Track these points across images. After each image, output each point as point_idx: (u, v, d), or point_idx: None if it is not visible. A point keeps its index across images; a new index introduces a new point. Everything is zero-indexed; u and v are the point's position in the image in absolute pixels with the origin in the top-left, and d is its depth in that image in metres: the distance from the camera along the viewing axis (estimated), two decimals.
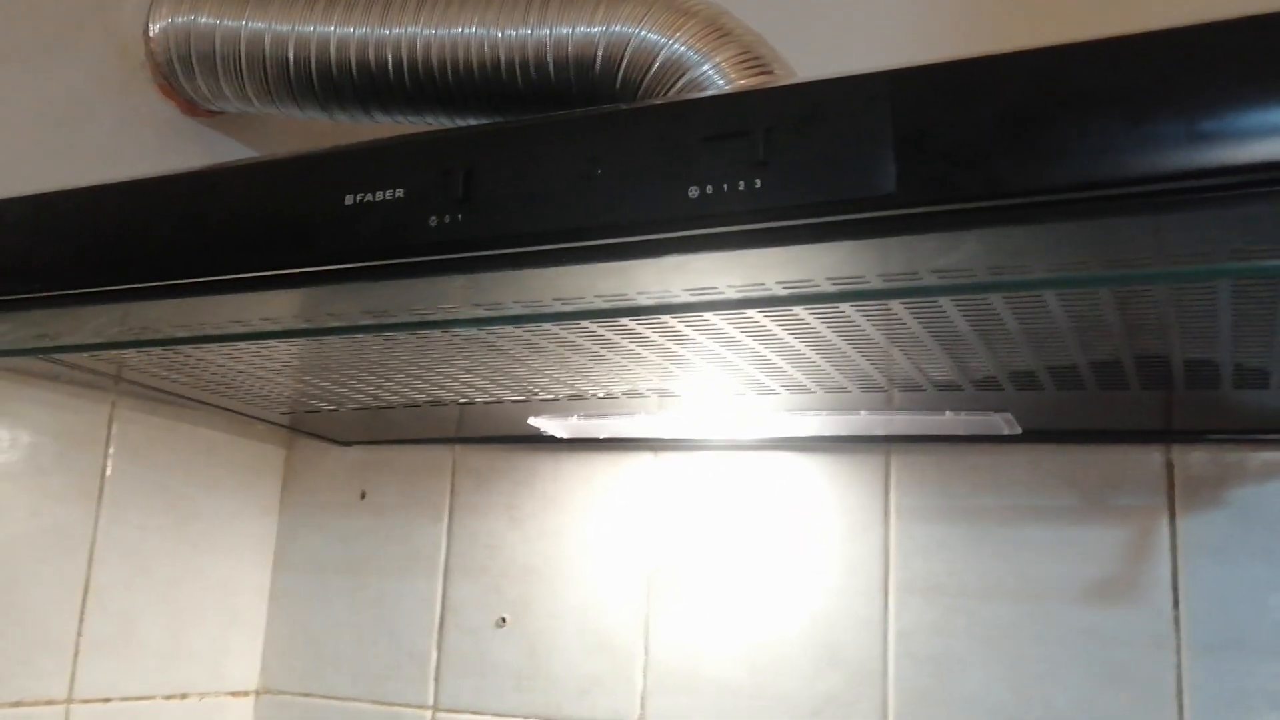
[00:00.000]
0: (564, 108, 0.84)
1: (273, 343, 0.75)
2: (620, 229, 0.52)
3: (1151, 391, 0.75)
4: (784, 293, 0.57)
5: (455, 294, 0.59)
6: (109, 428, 1.03)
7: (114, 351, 0.80)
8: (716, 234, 0.50)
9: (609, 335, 0.68)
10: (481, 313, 0.62)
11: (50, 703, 0.97)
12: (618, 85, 0.83)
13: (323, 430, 1.14)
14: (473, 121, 0.93)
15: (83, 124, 0.99)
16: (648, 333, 0.67)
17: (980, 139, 0.45)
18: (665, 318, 0.63)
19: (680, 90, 0.80)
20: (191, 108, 1.05)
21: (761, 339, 0.67)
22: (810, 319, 0.62)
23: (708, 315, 0.62)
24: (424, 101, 0.92)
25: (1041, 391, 0.76)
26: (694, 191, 0.50)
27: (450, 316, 0.63)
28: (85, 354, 0.83)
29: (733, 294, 0.58)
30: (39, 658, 0.96)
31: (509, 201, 0.54)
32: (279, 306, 0.64)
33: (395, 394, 0.91)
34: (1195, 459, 0.87)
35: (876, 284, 0.54)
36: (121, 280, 0.64)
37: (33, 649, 0.95)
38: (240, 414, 1.05)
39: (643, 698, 1.01)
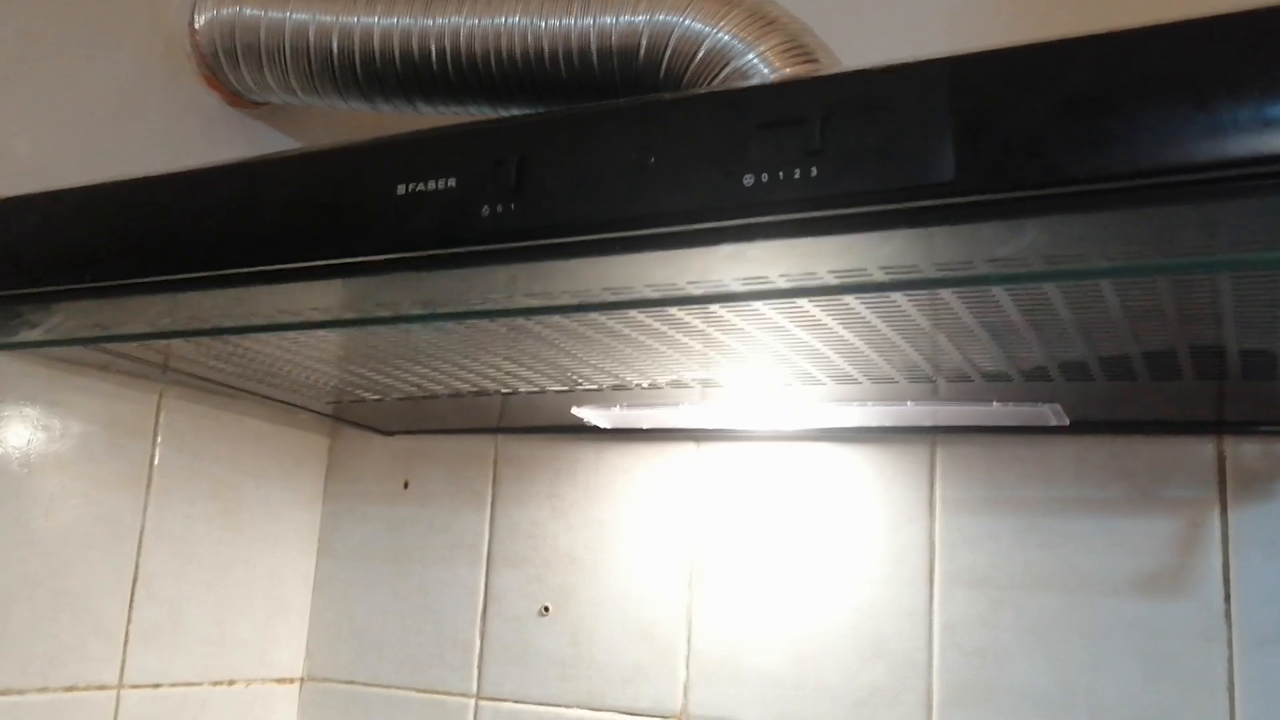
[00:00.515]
0: (608, 98, 0.84)
1: (320, 332, 0.75)
2: (674, 218, 0.52)
3: (1204, 382, 0.74)
4: (836, 282, 0.57)
5: (506, 284, 0.59)
6: (156, 417, 1.04)
7: (164, 342, 0.81)
8: (771, 222, 0.50)
9: (656, 325, 0.68)
10: (531, 302, 0.62)
11: (102, 688, 0.98)
12: (661, 75, 0.83)
13: (366, 420, 1.14)
14: (516, 112, 0.93)
15: (130, 116, 0.99)
16: (695, 322, 0.67)
17: (1040, 126, 0.45)
18: (714, 307, 0.63)
19: (724, 79, 0.80)
20: (236, 99, 1.06)
21: (810, 328, 0.67)
22: (860, 308, 0.62)
23: (757, 304, 0.62)
24: (467, 92, 0.92)
25: (1091, 382, 0.75)
26: (749, 180, 0.50)
27: (500, 306, 0.63)
28: (135, 344, 0.84)
29: (784, 283, 0.57)
30: (91, 644, 0.97)
31: (562, 191, 0.54)
32: (329, 297, 0.64)
33: (439, 384, 0.91)
34: (1248, 451, 0.86)
35: (930, 273, 0.54)
36: (173, 270, 0.65)
37: (85, 635, 0.97)
38: (285, 403, 1.06)
39: (685, 688, 1.01)
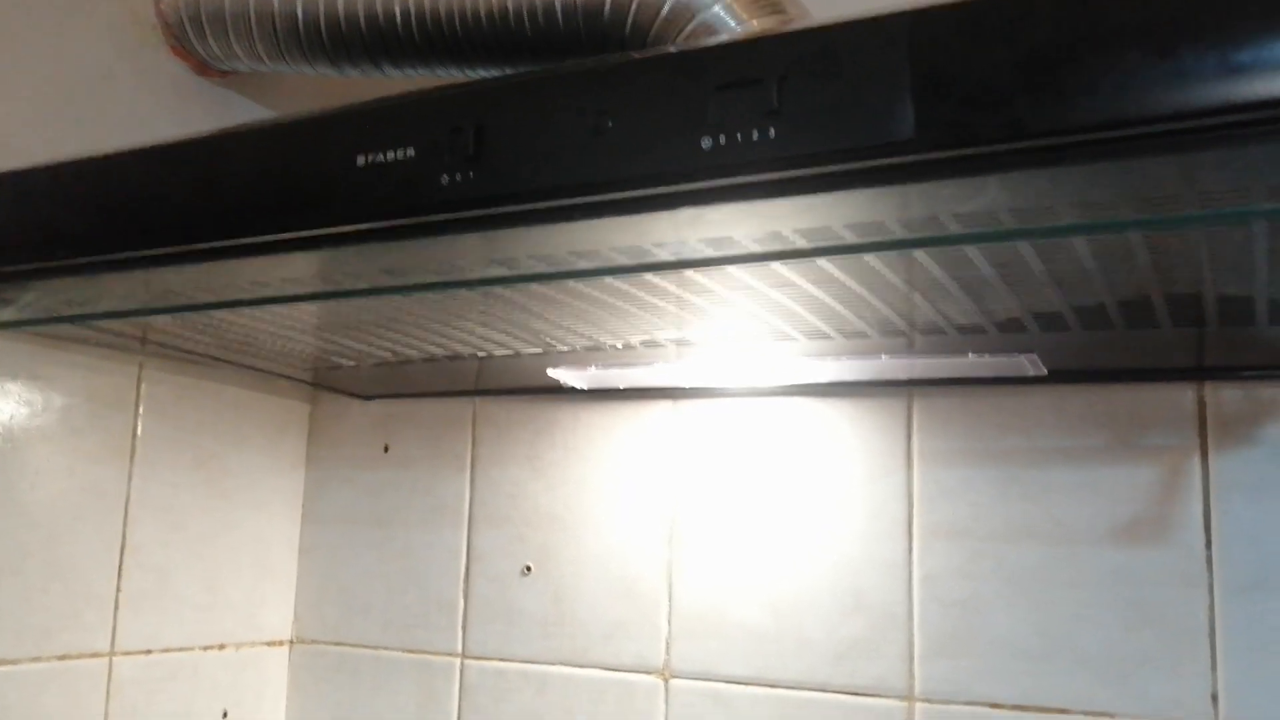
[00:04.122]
0: (574, 56, 0.83)
1: (292, 304, 0.75)
2: (633, 182, 0.51)
3: (1182, 329, 0.74)
4: (802, 242, 0.56)
5: (471, 251, 0.59)
6: (138, 388, 1.03)
7: (139, 318, 0.80)
8: (731, 185, 0.50)
9: (626, 287, 0.68)
10: (498, 270, 0.62)
11: (95, 655, 0.99)
12: (628, 31, 0.82)
13: (345, 385, 1.14)
14: (483, 73, 0.91)
15: (99, 88, 0.98)
16: (664, 284, 0.66)
17: (1001, 79, 0.44)
18: (682, 270, 0.62)
19: (690, 34, 0.79)
20: (204, 68, 1.05)
21: (779, 287, 0.66)
22: (829, 266, 0.61)
23: (727, 267, 0.61)
24: (433, 53, 0.91)
25: (1068, 332, 0.75)
26: (707, 142, 0.49)
27: (467, 275, 0.63)
28: (112, 320, 0.83)
29: (751, 245, 0.57)
30: (82, 612, 0.98)
31: (520, 158, 0.53)
32: (297, 268, 0.64)
33: (415, 349, 0.91)
34: (1228, 396, 0.86)
35: (897, 231, 0.53)
36: (142, 246, 0.64)
37: (76, 604, 0.97)
38: (264, 371, 1.06)
39: (668, 643, 1.02)
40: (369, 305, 0.75)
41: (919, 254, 0.58)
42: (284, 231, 0.60)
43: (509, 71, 0.87)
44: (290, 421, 1.21)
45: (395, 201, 0.56)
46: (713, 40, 0.72)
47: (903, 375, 0.91)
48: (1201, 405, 0.87)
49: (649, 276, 0.64)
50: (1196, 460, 0.86)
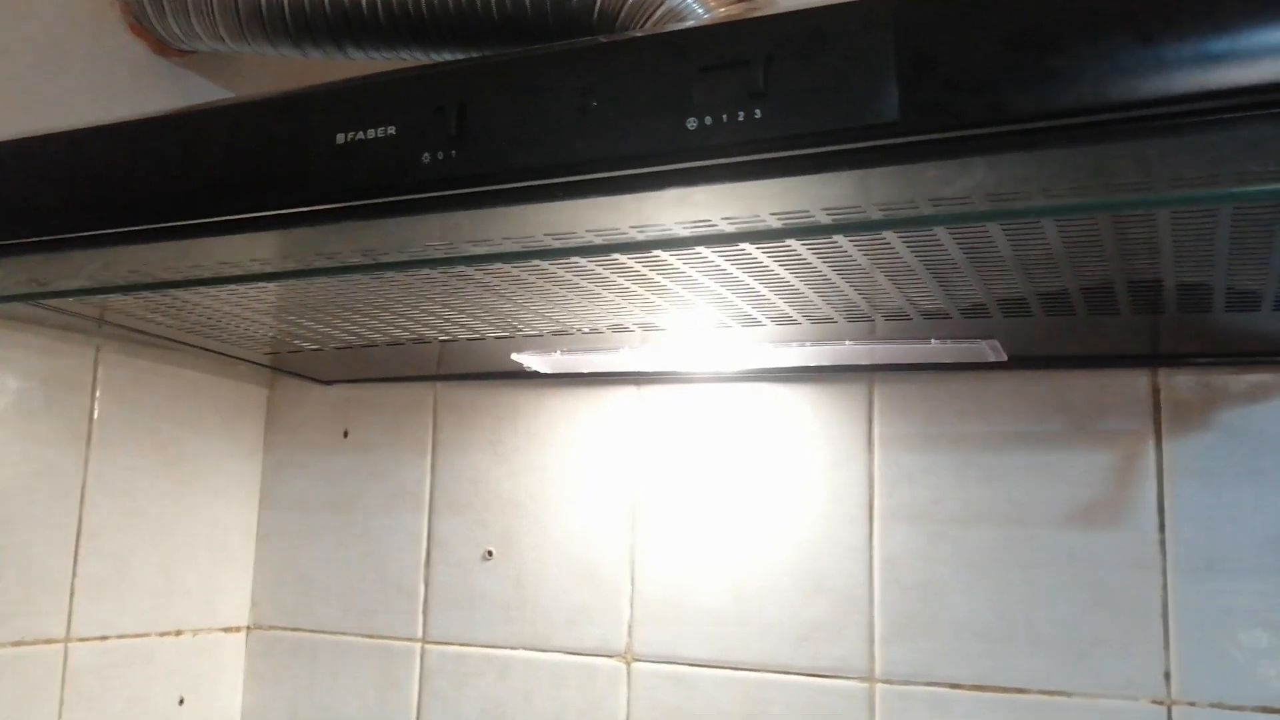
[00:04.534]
0: (540, 42, 0.83)
1: (259, 283, 0.74)
2: (617, 162, 0.51)
3: (1141, 316, 0.75)
4: (779, 225, 0.57)
5: (449, 231, 0.59)
6: (94, 371, 1.02)
7: (102, 296, 0.79)
8: (715, 166, 0.50)
9: (598, 270, 0.68)
10: (474, 249, 0.62)
11: (49, 641, 0.97)
12: (595, 17, 0.82)
13: (304, 369, 1.13)
14: (448, 57, 0.91)
15: (56, 66, 0.96)
16: (637, 266, 0.67)
17: (985, 63, 0.45)
18: (657, 252, 0.63)
19: (659, 20, 0.79)
20: (163, 47, 1.03)
21: (751, 271, 0.67)
22: (801, 250, 0.62)
23: (700, 249, 0.62)
24: (398, 36, 0.90)
25: (1030, 318, 0.76)
26: (692, 123, 0.50)
27: (442, 254, 0.63)
28: (73, 298, 0.82)
29: (728, 227, 0.57)
30: (37, 598, 0.96)
31: (503, 137, 0.53)
32: (271, 247, 0.63)
33: (379, 332, 0.90)
34: (1181, 382, 0.88)
35: (874, 215, 0.54)
36: (112, 224, 0.63)
37: (31, 590, 0.96)
38: (222, 354, 1.05)
39: (630, 627, 1.02)
40: (336, 286, 0.75)
41: (891, 237, 0.59)
42: (260, 210, 0.59)
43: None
44: (248, 406, 1.20)
45: (375, 180, 0.56)
46: (694, 22, 0.72)
47: (865, 361, 0.92)
48: (1156, 392, 0.89)
49: (621, 258, 0.65)
50: (1151, 445, 0.88)
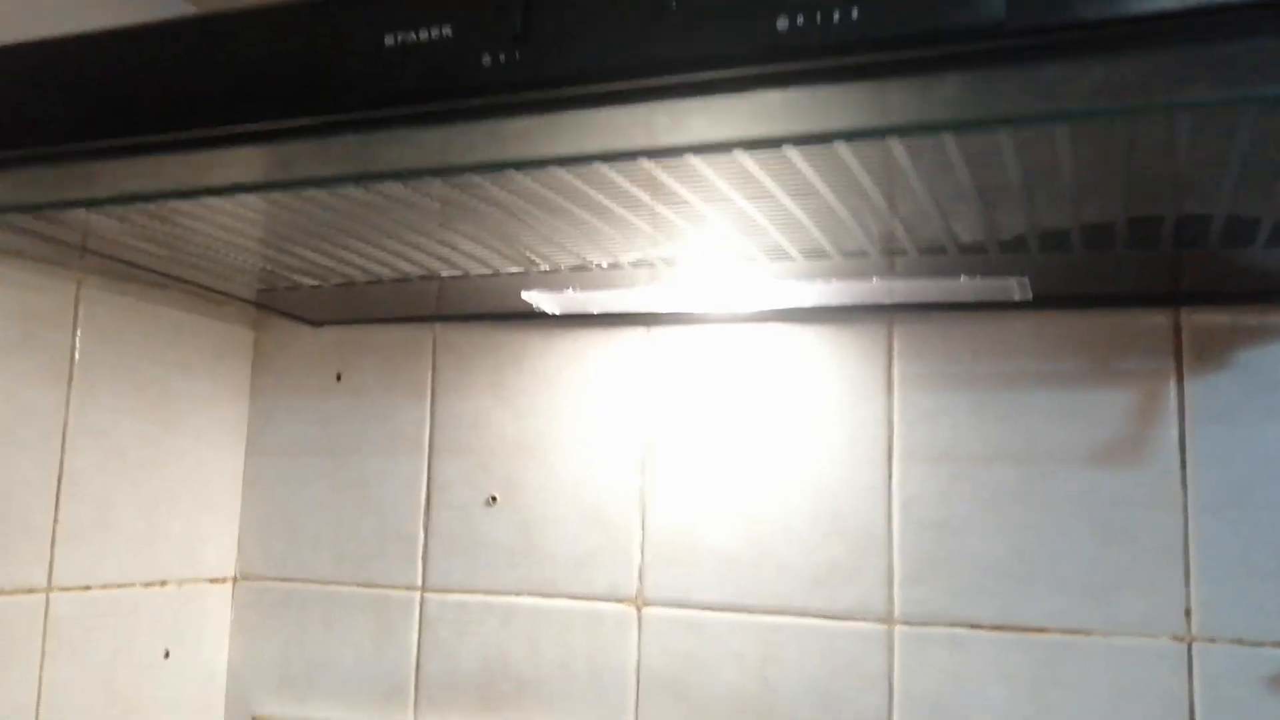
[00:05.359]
0: None
1: (253, 203, 0.70)
2: (699, 64, 0.48)
3: (1179, 250, 0.74)
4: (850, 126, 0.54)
5: (510, 141, 0.55)
6: (76, 309, 0.97)
7: (99, 213, 0.75)
8: (806, 69, 0.47)
9: (635, 191, 0.65)
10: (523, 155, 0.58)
11: (30, 591, 0.93)
12: None
13: (294, 309, 1.09)
14: None
15: None
16: (677, 186, 0.64)
17: None
18: (701, 167, 0.60)
19: None
20: None
21: (796, 194, 0.64)
22: (855, 166, 0.59)
23: (745, 161, 0.59)
24: None
25: (1067, 253, 0.75)
26: (783, 23, 0.47)
27: (490, 160, 0.59)
28: (54, 223, 0.78)
29: (800, 132, 0.54)
30: (17, 544, 0.92)
31: (573, 35, 0.50)
32: (308, 161, 0.59)
33: (385, 265, 0.87)
34: (1203, 321, 0.87)
35: (951, 117, 0.52)
36: (132, 133, 0.59)
37: (10, 535, 0.91)
38: (209, 289, 1.00)
39: (640, 571, 1.00)
40: (344, 207, 0.71)
41: (953, 150, 0.56)
42: (298, 117, 0.56)
43: None
44: (234, 348, 1.16)
45: (429, 85, 0.53)
46: None
47: (885, 299, 0.90)
48: (1177, 330, 0.88)
49: (663, 176, 0.61)
50: (1172, 384, 0.87)
